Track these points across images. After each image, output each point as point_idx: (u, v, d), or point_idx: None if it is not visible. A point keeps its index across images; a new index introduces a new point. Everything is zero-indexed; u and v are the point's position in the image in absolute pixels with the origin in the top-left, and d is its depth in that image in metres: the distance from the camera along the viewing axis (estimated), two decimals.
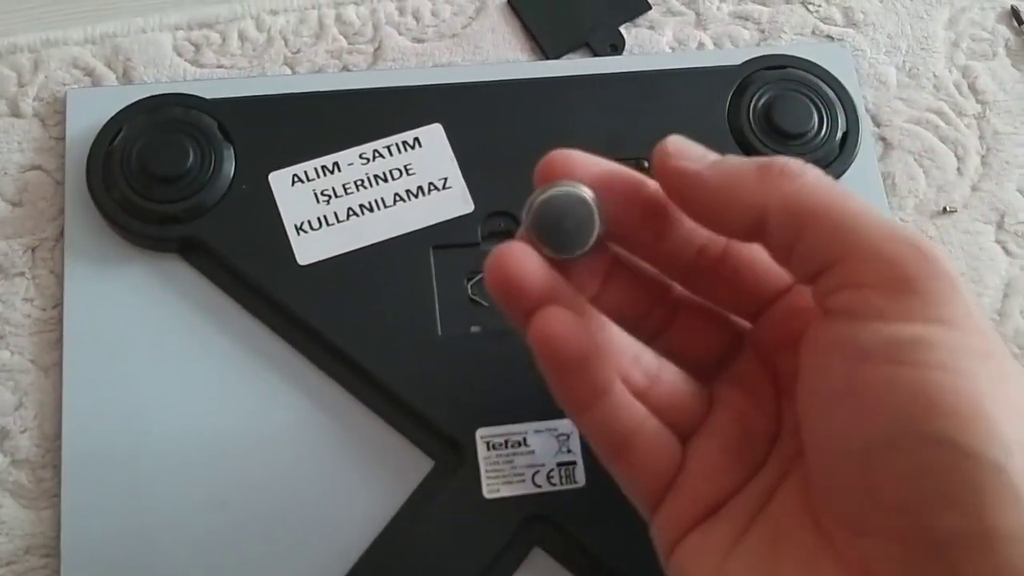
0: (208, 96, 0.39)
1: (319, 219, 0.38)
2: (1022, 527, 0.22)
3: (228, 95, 0.39)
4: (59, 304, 0.37)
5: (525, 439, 0.35)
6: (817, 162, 0.36)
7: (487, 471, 0.35)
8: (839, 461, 0.24)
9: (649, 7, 0.45)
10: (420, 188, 0.39)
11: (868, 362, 0.24)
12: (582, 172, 0.27)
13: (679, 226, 0.28)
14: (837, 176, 0.41)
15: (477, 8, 0.44)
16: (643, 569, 0.30)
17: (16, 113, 0.40)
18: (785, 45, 0.44)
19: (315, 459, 0.35)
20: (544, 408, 0.30)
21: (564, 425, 0.35)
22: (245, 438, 0.35)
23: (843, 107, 0.41)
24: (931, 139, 0.43)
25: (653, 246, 0.28)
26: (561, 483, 0.35)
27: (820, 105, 0.41)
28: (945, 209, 0.42)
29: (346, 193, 0.38)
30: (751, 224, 0.26)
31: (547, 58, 0.43)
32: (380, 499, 0.35)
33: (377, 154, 0.39)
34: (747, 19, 0.45)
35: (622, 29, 0.44)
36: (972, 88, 0.45)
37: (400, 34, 0.43)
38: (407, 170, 0.39)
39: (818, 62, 0.42)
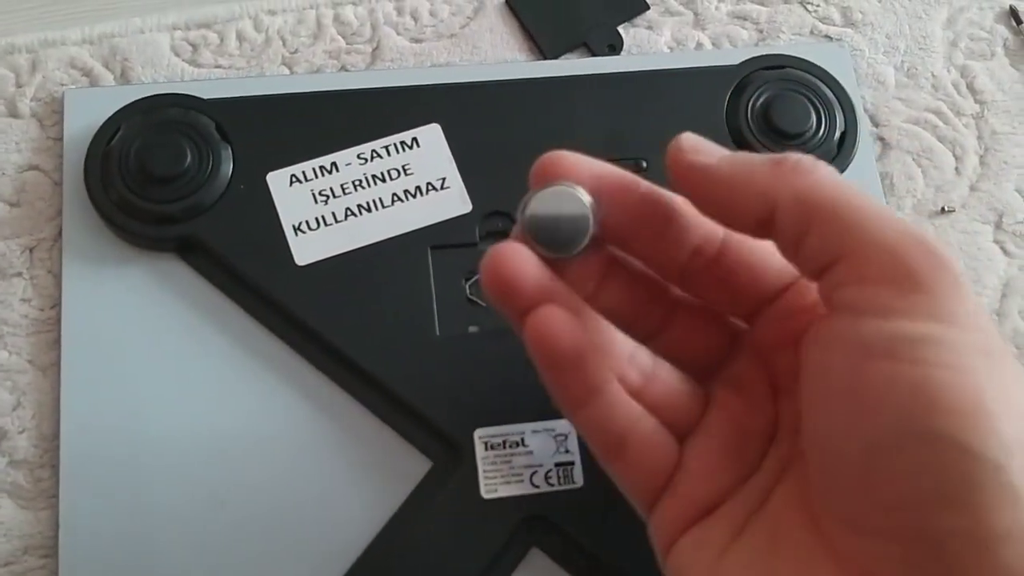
0: (206, 96, 0.39)
1: (317, 219, 0.38)
2: (1019, 528, 0.22)
3: (226, 95, 0.39)
4: (57, 304, 0.37)
5: (523, 439, 0.35)
6: None
7: (485, 471, 0.35)
8: (839, 458, 0.24)
9: (647, 7, 0.45)
10: (418, 188, 0.39)
11: (870, 358, 0.24)
12: (576, 173, 0.27)
13: (673, 227, 0.28)
14: None
15: (475, 8, 0.44)
16: (641, 569, 0.30)
17: (14, 113, 0.40)
18: (783, 45, 0.44)
19: (313, 459, 0.35)
20: (542, 408, 0.30)
21: (562, 425, 0.35)
22: (243, 438, 0.35)
23: (841, 107, 0.41)
24: (929, 139, 0.43)
25: (647, 247, 0.28)
26: (559, 483, 0.35)
27: (818, 105, 0.41)
28: (943, 209, 0.42)
29: (344, 193, 0.38)
30: (761, 216, 0.26)
31: (545, 58, 0.43)
32: (378, 499, 0.35)
33: (375, 154, 0.39)
34: (745, 19, 0.45)
35: (620, 29, 0.44)
36: (970, 88, 0.45)
37: (398, 34, 0.43)
38: (405, 170, 0.39)
39: (816, 62, 0.42)
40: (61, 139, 0.39)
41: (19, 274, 0.38)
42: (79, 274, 0.37)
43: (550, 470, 0.35)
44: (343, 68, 0.42)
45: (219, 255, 0.37)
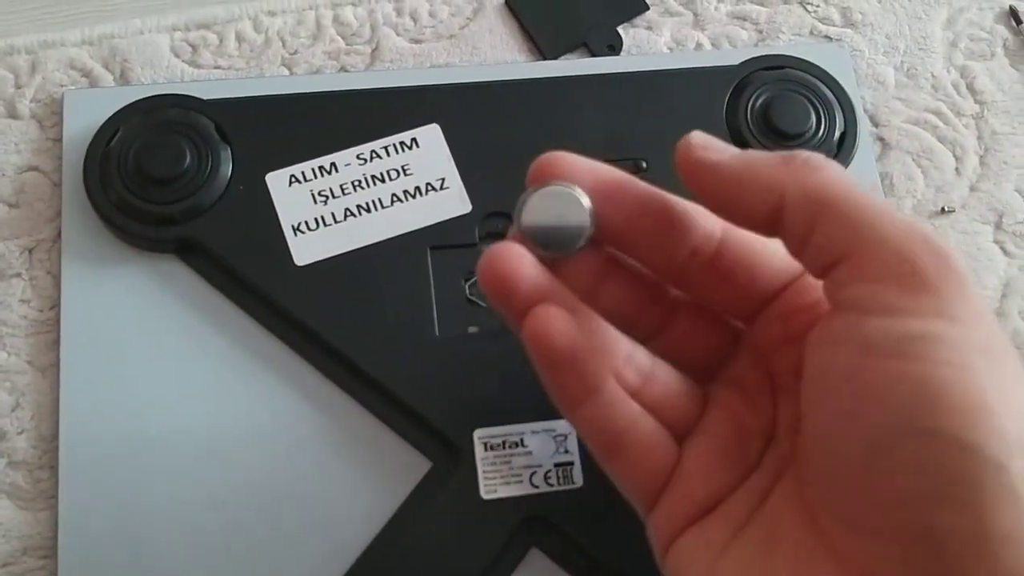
0: (205, 97, 0.39)
1: (316, 220, 0.38)
2: (1020, 528, 0.22)
3: (225, 96, 0.39)
4: (56, 305, 0.37)
5: (523, 440, 0.35)
6: None
7: (485, 472, 0.35)
8: (840, 456, 0.24)
9: (647, 7, 0.45)
10: (418, 189, 0.39)
11: (874, 356, 0.24)
12: (574, 173, 0.27)
13: (670, 227, 0.28)
14: None
15: (475, 9, 0.44)
16: (640, 569, 0.30)
17: (13, 114, 0.40)
18: (783, 45, 0.44)
19: (313, 460, 0.35)
20: (542, 409, 0.30)
21: (562, 426, 0.35)
22: (243, 439, 0.35)
23: (841, 107, 0.41)
24: (929, 139, 0.43)
25: (645, 247, 0.28)
26: (559, 483, 0.35)
27: (818, 105, 0.41)
28: (943, 209, 0.42)
29: (343, 194, 0.38)
30: (770, 212, 0.26)
31: (545, 58, 0.43)
32: (378, 500, 0.35)
33: (375, 155, 0.39)
34: (745, 19, 0.45)
35: (620, 29, 0.44)
36: (970, 88, 0.44)
37: (398, 35, 0.43)
38: (404, 171, 0.39)
39: (816, 62, 0.42)
40: (60, 140, 0.39)
41: (18, 275, 0.38)
42: (78, 275, 0.37)
43: (549, 470, 0.35)
44: (343, 69, 0.42)
45: (218, 256, 0.37)
